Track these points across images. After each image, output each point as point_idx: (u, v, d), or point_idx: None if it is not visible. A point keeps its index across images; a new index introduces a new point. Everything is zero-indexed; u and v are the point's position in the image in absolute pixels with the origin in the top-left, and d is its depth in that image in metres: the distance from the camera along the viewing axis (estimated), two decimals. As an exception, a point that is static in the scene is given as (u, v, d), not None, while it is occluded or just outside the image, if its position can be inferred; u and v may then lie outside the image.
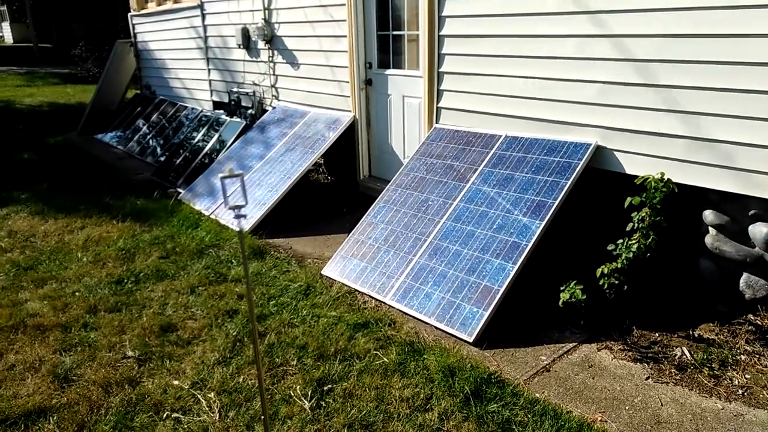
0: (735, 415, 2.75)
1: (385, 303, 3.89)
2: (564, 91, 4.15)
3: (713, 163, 3.50)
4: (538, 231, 3.71)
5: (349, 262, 4.33)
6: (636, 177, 3.55)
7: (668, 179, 3.44)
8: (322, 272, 4.36)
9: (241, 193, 2.18)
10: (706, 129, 3.50)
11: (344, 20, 5.77)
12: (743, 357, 3.18)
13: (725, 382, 2.99)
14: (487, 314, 3.45)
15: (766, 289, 3.47)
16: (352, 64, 5.85)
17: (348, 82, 5.97)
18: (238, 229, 2.30)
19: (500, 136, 4.56)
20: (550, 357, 3.27)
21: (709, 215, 3.64)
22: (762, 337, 3.32)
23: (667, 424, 2.71)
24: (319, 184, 6.74)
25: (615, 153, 3.97)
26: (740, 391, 2.91)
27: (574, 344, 3.37)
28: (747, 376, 3.03)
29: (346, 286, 4.13)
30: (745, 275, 3.55)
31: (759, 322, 3.44)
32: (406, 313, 3.74)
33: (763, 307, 3.49)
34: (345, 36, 5.82)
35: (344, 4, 5.70)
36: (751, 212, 3.44)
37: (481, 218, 4.03)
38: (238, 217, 2.19)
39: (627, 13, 3.69)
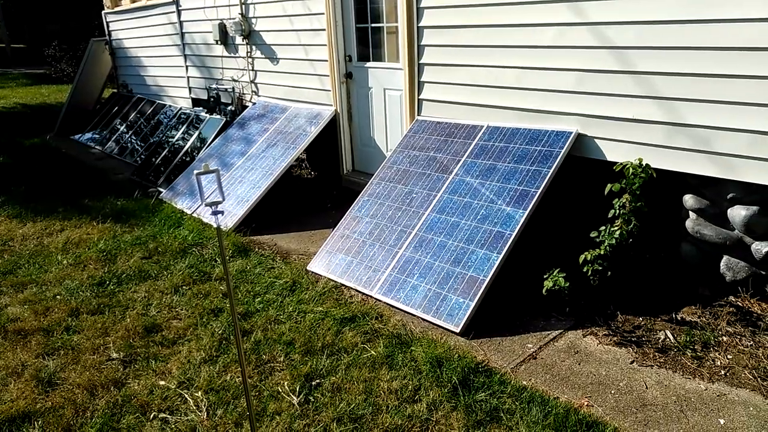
0: (718, 395, 2.79)
1: (371, 296, 3.89)
2: (544, 79, 4.16)
3: (691, 148, 3.54)
4: (522, 220, 3.73)
5: (334, 257, 4.32)
6: (616, 164, 3.58)
7: (646, 165, 3.47)
8: (307, 268, 4.34)
9: (218, 190, 2.15)
10: (684, 114, 3.53)
11: (322, 13, 5.73)
12: (725, 338, 3.23)
13: (708, 363, 3.04)
14: (473, 304, 3.46)
15: (746, 271, 3.52)
16: (331, 58, 5.81)
17: (328, 75, 5.93)
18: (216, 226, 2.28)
19: (482, 126, 4.56)
20: (536, 345, 3.29)
21: (689, 200, 3.68)
22: (743, 318, 3.38)
23: (653, 407, 2.75)
24: (302, 180, 6.70)
25: (596, 140, 4.00)
26: (723, 372, 2.96)
27: (560, 331, 3.40)
28: (729, 356, 3.08)
29: (332, 281, 4.12)
30: (725, 258, 3.60)
31: (740, 304, 3.50)
32: (393, 306, 3.75)
33: (744, 289, 3.55)
34: (323, 29, 5.78)
35: (322, -3, 5.67)
36: (730, 196, 3.48)
37: (465, 209, 4.04)
38: (215, 213, 2.17)
39: (604, 0, 3.71)
